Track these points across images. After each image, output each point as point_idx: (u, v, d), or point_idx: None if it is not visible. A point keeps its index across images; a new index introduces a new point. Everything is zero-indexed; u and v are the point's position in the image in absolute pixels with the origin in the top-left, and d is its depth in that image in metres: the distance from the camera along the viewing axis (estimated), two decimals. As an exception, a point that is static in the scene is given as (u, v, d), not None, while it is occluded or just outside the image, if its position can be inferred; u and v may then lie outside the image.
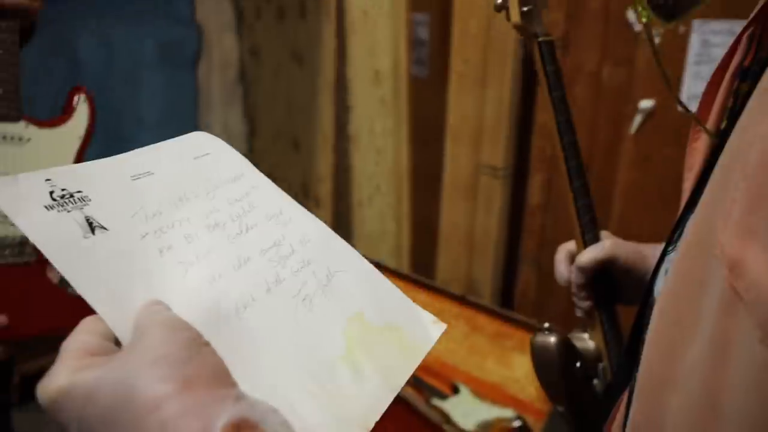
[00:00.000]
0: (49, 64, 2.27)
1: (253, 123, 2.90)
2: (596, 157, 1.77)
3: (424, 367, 1.98)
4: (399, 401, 1.46)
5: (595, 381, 0.68)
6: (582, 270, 0.70)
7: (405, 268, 2.30)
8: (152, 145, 0.45)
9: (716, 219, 0.31)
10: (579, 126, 0.72)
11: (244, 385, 0.33)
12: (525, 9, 0.69)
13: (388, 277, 1.93)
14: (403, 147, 2.25)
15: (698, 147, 0.49)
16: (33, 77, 2.26)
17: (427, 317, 0.46)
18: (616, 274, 0.70)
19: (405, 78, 2.17)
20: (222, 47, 2.70)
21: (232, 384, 0.31)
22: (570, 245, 0.75)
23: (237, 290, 0.38)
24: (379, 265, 1.79)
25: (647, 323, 0.40)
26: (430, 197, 2.22)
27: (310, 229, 0.46)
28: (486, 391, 1.85)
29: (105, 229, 0.36)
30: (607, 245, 0.70)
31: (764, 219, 0.27)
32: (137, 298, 0.35)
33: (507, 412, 1.75)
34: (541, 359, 0.67)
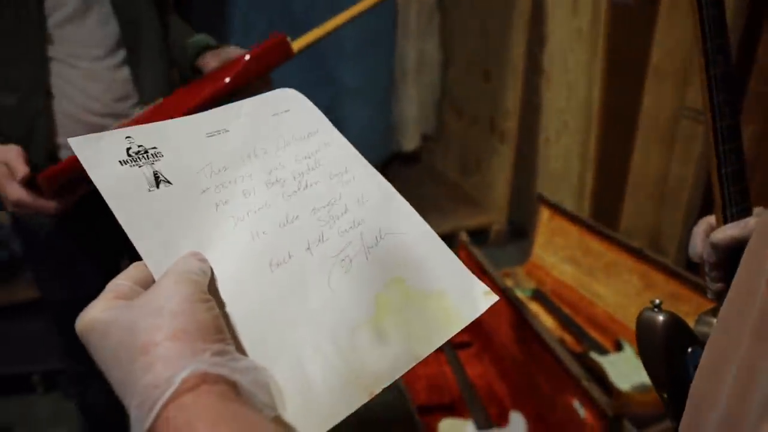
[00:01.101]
0: (264, -5, 2.47)
1: (447, 52, 2.88)
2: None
3: (589, 318, 1.91)
4: (548, 350, 1.44)
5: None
6: (715, 247, 0.61)
7: (585, 212, 2.18)
8: (236, 103, 0.47)
9: None
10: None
11: (257, 333, 0.36)
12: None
13: (563, 220, 1.87)
14: (597, 82, 2.07)
15: None
16: (248, 7, 2.49)
17: (480, 287, 0.44)
18: (761, 258, 0.60)
19: (606, 5, 1.97)
20: (422, -28, 2.69)
21: (217, 339, 0.33)
22: (713, 218, 0.66)
23: (276, 247, 0.40)
24: (557, 207, 1.73)
25: None
26: (621, 138, 2.04)
27: (371, 189, 0.46)
28: (652, 354, 1.73)
29: (169, 183, 0.40)
30: (751, 223, 0.60)
31: None
32: (183, 249, 0.38)
33: (671, 380, 1.63)
34: (645, 338, 0.61)
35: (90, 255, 1.17)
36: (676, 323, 0.60)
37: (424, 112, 3.00)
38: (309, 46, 1.05)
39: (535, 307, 1.95)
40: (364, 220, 0.44)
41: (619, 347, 1.77)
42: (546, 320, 1.90)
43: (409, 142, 3.04)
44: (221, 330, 0.34)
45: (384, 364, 0.38)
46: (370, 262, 0.42)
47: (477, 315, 0.43)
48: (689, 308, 1.62)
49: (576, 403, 1.31)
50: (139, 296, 0.35)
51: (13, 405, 1.76)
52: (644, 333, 0.61)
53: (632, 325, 1.81)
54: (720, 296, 0.64)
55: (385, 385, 0.38)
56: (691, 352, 0.60)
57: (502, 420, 1.57)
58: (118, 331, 0.33)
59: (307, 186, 0.44)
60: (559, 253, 2.10)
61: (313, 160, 0.46)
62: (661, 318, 0.60)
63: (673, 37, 1.80)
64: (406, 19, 2.76)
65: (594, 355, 1.72)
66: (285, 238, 0.41)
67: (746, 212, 0.63)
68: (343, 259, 0.41)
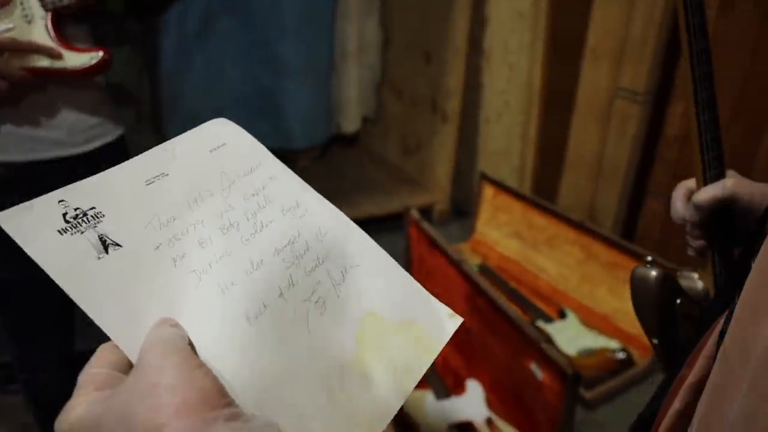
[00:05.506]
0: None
1: (387, 32, 2.89)
2: None
3: (533, 289, 2.00)
4: (504, 317, 1.50)
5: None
6: (698, 208, 0.67)
7: (526, 189, 2.28)
8: (169, 141, 0.43)
9: None
10: None
11: (253, 397, 0.35)
12: None
13: (507, 197, 1.94)
14: (538, 63, 2.16)
15: None
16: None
17: (444, 310, 0.45)
18: (737, 216, 0.66)
19: (547, -11, 2.05)
20: (362, -48, 2.68)
21: (225, 404, 0.31)
22: (690, 182, 0.72)
23: (249, 298, 0.38)
24: (500, 184, 1.79)
25: (757, 252, 0.37)
26: (560, 118, 2.14)
27: (326, 221, 0.45)
28: (594, 321, 1.84)
29: (118, 245, 0.36)
30: (729, 184, 0.66)
31: None
32: (151, 317, 0.34)
33: (612, 343, 1.74)
34: (639, 291, 0.66)
35: None
36: (666, 277, 0.66)
37: (365, 93, 3.01)
38: None
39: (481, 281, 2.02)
40: (327, 255, 0.43)
41: (562, 315, 1.87)
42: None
43: (350, 124, 3.03)
44: (225, 393, 0.32)
45: (377, 404, 0.38)
46: (341, 299, 0.41)
47: (447, 339, 0.43)
48: (628, 275, 1.73)
49: (533, 366, 1.38)
50: (122, 381, 0.32)
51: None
52: (638, 286, 0.66)
53: (574, 294, 1.92)
54: (701, 253, 0.70)
55: (383, 428, 0.38)
56: (680, 303, 0.66)
57: (460, 389, 1.63)
58: (112, 425, 0.30)
59: (263, 226, 0.42)
60: (503, 229, 2.19)
61: (262, 197, 0.44)
62: (653, 273, 0.65)
63: (608, 20, 1.90)
64: (346, -2, 2.74)
65: (540, 324, 1.81)
66: (255, 287, 0.39)
67: (721, 175, 0.69)
68: (316, 301, 0.40)
